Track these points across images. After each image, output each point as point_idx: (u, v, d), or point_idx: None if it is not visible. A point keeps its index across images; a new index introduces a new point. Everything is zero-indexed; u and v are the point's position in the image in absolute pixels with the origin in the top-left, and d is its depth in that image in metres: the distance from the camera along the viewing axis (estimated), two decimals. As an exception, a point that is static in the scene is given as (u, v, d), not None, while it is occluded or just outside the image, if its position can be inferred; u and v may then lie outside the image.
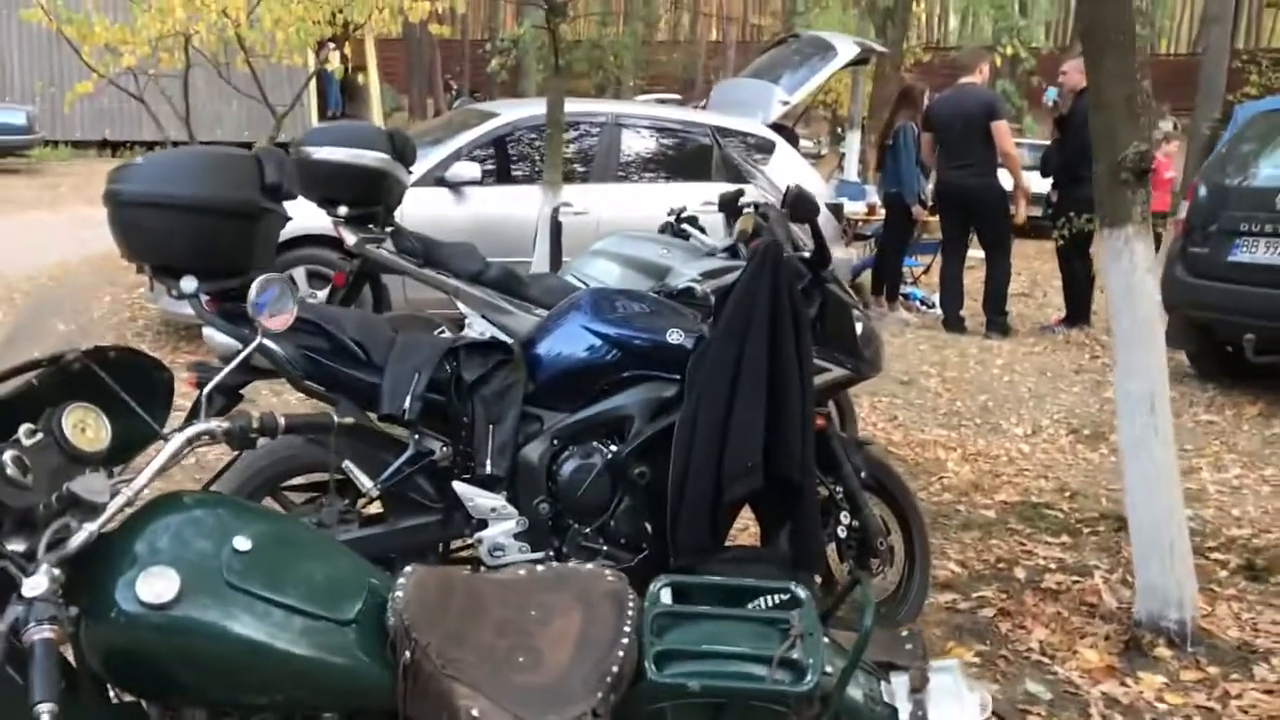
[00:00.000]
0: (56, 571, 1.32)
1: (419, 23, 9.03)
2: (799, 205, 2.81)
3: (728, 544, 2.92)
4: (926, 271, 9.27)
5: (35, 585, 1.28)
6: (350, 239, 4.40)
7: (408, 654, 1.46)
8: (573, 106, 7.11)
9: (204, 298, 2.76)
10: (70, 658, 1.41)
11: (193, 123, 8.28)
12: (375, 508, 2.94)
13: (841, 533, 3.02)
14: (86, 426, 1.46)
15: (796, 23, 13.70)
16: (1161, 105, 8.55)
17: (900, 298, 8.75)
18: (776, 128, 7.48)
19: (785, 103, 7.51)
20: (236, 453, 1.77)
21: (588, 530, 2.85)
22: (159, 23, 8.04)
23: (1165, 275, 6.52)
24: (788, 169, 7.03)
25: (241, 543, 1.46)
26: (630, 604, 1.63)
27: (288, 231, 5.51)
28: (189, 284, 2.72)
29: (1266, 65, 20.38)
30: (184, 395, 1.96)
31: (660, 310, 2.97)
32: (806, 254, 2.95)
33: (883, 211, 8.63)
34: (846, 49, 7.74)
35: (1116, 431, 3.33)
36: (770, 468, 2.66)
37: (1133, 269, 3.08)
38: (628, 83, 26.84)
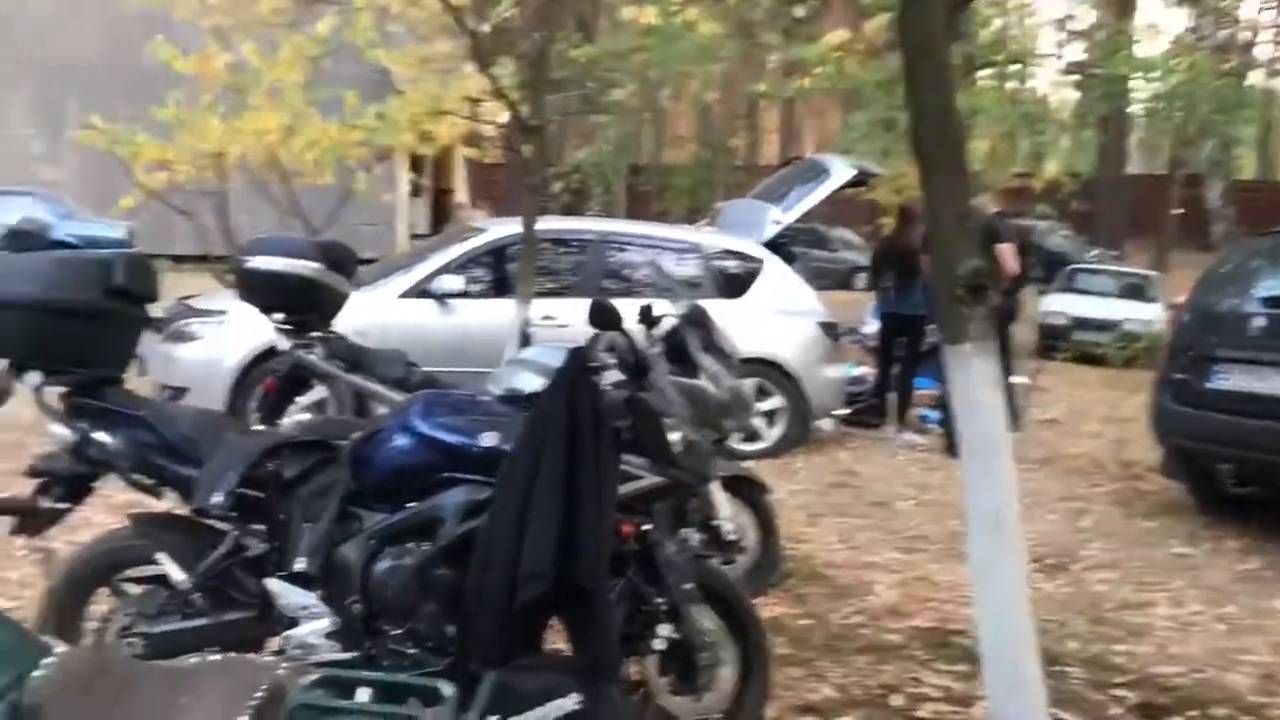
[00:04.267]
0: None
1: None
2: (595, 314, 2.84)
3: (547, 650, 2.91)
4: (944, 394, 9.11)
5: None
6: (283, 344, 4.59)
7: None
8: (563, 224, 7.34)
9: (49, 392, 2.95)
10: None
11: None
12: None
13: (661, 645, 2.95)
14: None
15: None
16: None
17: (919, 419, 8.59)
18: (774, 246, 7.56)
19: (778, 222, 7.60)
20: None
21: (397, 633, 2.86)
22: (202, 140, 8.65)
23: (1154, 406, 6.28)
24: (778, 285, 7.10)
25: None
26: (257, 696, 1.66)
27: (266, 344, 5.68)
28: (33, 378, 2.90)
29: None
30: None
31: (489, 413, 3.01)
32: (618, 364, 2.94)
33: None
34: (841, 172, 7.83)
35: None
36: (563, 573, 2.65)
37: (972, 384, 3.02)
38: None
